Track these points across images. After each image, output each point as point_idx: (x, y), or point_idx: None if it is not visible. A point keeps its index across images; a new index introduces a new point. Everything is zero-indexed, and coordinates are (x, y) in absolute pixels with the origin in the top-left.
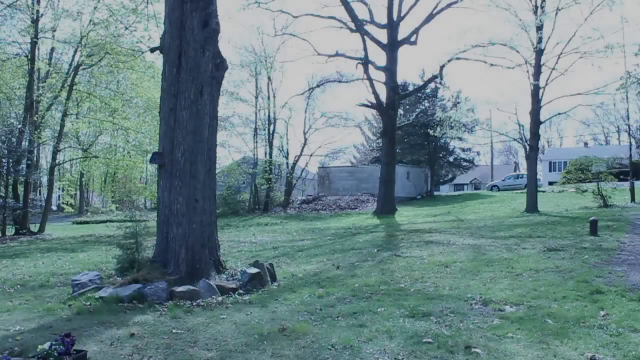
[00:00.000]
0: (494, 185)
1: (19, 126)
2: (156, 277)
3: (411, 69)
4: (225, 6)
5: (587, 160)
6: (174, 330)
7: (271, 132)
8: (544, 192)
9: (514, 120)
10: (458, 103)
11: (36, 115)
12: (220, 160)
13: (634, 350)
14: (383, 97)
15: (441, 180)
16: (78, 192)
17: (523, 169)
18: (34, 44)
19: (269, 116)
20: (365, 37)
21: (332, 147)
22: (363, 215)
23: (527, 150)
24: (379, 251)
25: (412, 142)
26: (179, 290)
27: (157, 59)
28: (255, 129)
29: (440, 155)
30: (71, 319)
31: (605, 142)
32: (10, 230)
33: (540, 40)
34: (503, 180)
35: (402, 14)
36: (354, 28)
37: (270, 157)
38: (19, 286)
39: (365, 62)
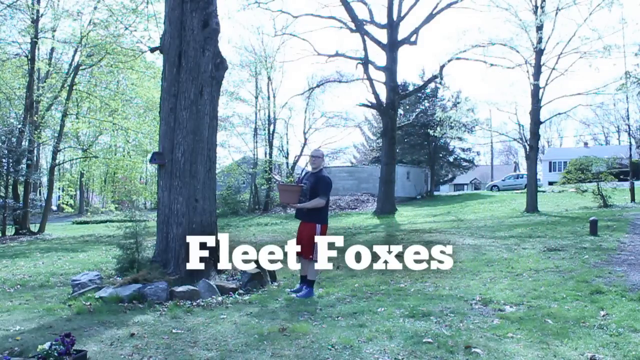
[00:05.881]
0: (494, 185)
1: (19, 126)
2: (156, 277)
3: (411, 69)
4: (225, 6)
5: (587, 160)
6: (174, 330)
7: (271, 132)
8: (544, 192)
9: (514, 120)
10: (458, 103)
11: (36, 115)
12: (220, 160)
13: (634, 350)
14: (383, 97)
15: (441, 180)
16: (78, 192)
17: (523, 169)
18: (34, 44)
19: (269, 116)
20: (365, 37)
21: (332, 147)
22: (363, 215)
23: (527, 150)
24: None
25: (412, 142)
26: (179, 290)
27: (157, 59)
28: (255, 129)
29: (440, 155)
30: (71, 319)
31: (605, 142)
32: (10, 230)
33: (540, 40)
34: (503, 180)
35: (402, 14)
36: (354, 28)
37: (270, 157)
38: (19, 286)
39: (365, 62)
